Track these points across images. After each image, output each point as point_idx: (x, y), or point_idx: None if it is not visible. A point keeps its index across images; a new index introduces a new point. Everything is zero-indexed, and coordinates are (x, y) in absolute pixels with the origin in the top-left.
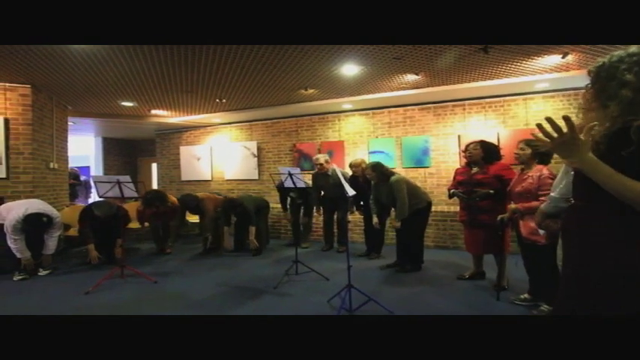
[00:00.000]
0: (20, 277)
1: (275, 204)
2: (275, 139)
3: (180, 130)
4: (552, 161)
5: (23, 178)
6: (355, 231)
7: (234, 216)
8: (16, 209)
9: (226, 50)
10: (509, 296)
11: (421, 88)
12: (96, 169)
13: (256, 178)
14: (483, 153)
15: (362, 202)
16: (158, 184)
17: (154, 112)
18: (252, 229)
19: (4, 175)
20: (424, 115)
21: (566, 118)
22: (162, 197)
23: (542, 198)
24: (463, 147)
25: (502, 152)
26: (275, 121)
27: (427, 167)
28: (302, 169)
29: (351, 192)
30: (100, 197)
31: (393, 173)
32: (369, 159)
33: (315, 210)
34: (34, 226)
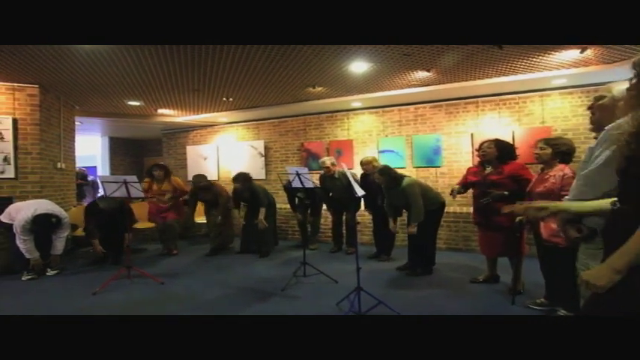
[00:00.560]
0: (29, 277)
1: (282, 204)
2: (282, 139)
3: (187, 129)
4: (572, 160)
5: (31, 178)
6: (364, 232)
7: (243, 202)
8: (25, 210)
9: (233, 48)
10: (525, 300)
11: (432, 85)
12: (102, 169)
13: (263, 178)
14: (498, 152)
15: (378, 201)
16: None
17: (160, 111)
18: (262, 210)
19: (12, 175)
20: (435, 113)
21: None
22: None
23: (566, 198)
24: (477, 146)
25: (517, 151)
26: (282, 119)
27: (439, 167)
28: (310, 169)
29: (360, 192)
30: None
31: (402, 177)
32: (379, 158)
33: (325, 207)
34: (42, 226)
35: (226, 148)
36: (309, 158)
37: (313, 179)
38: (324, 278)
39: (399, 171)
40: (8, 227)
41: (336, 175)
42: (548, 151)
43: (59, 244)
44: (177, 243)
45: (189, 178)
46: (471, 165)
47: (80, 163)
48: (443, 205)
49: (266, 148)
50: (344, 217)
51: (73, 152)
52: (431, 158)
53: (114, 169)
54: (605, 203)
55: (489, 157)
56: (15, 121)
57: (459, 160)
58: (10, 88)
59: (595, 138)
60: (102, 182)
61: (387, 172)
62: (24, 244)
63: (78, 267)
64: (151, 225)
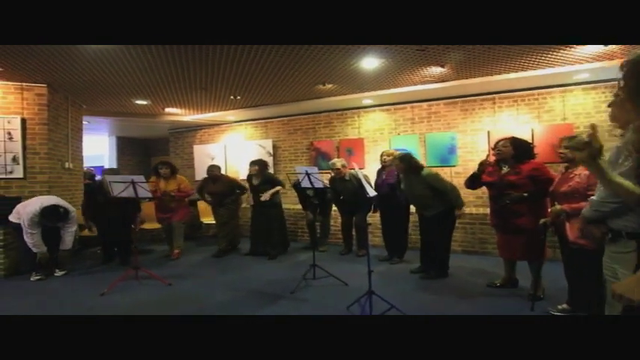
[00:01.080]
0: (37, 278)
1: (291, 204)
2: (291, 137)
3: (194, 128)
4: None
5: (40, 178)
6: (375, 234)
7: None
8: (33, 204)
9: (241, 46)
10: (546, 306)
11: (447, 81)
12: None
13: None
14: (514, 151)
15: (397, 192)
16: None
17: (167, 110)
18: (278, 188)
19: (21, 175)
20: (450, 110)
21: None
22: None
23: (592, 198)
24: (492, 144)
25: (536, 150)
26: (291, 118)
27: (453, 166)
28: (319, 169)
29: (372, 193)
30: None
31: (422, 166)
32: None
33: (335, 207)
34: (51, 217)
35: (234, 148)
36: (319, 157)
37: (323, 179)
38: (334, 281)
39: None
40: (16, 227)
41: (347, 177)
42: None
43: (68, 239)
44: (181, 245)
45: (197, 177)
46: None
47: (88, 162)
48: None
49: (274, 147)
50: (354, 218)
51: (81, 152)
52: (445, 157)
53: (121, 168)
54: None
55: (505, 156)
56: (23, 121)
57: (475, 158)
58: (19, 87)
59: (622, 135)
60: (109, 182)
61: (407, 159)
62: (31, 239)
63: (86, 267)
64: (158, 226)
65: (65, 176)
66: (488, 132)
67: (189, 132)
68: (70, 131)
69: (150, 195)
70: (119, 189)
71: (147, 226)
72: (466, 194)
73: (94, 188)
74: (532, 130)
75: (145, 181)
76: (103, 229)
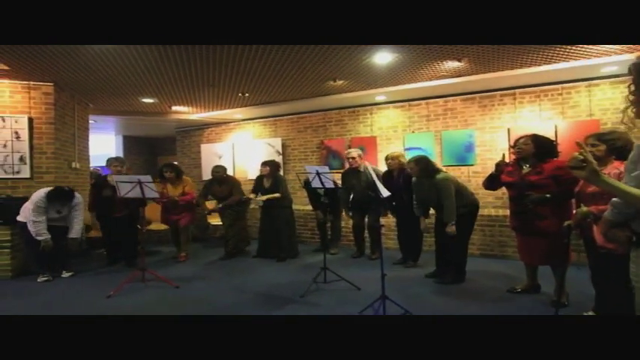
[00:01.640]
0: (44, 279)
1: (300, 205)
2: (301, 136)
3: (201, 127)
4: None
5: (46, 178)
6: (389, 236)
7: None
8: (38, 192)
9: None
10: (570, 314)
11: (464, 75)
12: None
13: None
14: (536, 149)
15: (394, 203)
16: None
17: (174, 108)
18: (276, 195)
19: (28, 175)
20: (467, 106)
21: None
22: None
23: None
24: (512, 142)
25: (559, 148)
26: (301, 115)
27: (471, 165)
28: (330, 168)
29: (385, 193)
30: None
31: (439, 170)
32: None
33: (344, 212)
34: (57, 198)
35: (242, 146)
36: (330, 156)
37: (335, 178)
38: (345, 285)
39: None
40: (24, 226)
41: (361, 169)
42: (602, 147)
43: (77, 227)
44: (188, 249)
45: (204, 177)
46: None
47: (94, 162)
48: (477, 207)
49: (284, 145)
50: (366, 220)
51: (88, 151)
52: (462, 156)
53: (127, 168)
54: None
55: (525, 155)
56: (30, 120)
57: (494, 157)
58: (26, 86)
59: None
60: (116, 182)
61: (423, 162)
62: (35, 227)
63: (93, 269)
64: (165, 227)
65: (72, 176)
66: (509, 129)
67: (196, 131)
68: (77, 130)
69: (157, 195)
70: (126, 189)
71: (153, 227)
72: (484, 195)
73: (100, 182)
74: (555, 127)
75: (151, 181)
76: (108, 229)
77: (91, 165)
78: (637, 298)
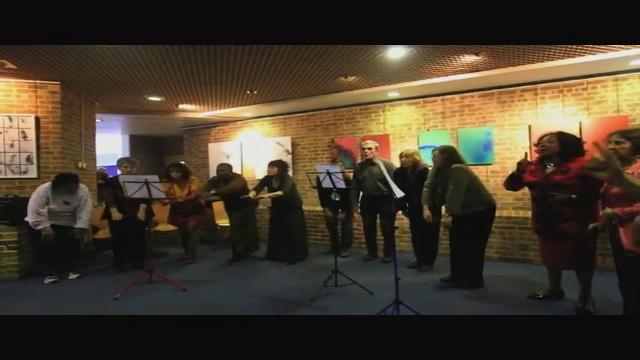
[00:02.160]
0: (51, 280)
1: (310, 206)
2: (311, 134)
3: (209, 125)
4: None
5: (53, 178)
6: (403, 238)
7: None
8: (40, 186)
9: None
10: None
11: (482, 70)
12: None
13: (291, 176)
14: (561, 147)
15: (407, 205)
16: None
17: (181, 106)
18: (278, 193)
19: (35, 175)
20: (486, 102)
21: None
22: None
23: None
24: (535, 139)
25: (585, 146)
26: (311, 113)
27: (489, 164)
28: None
29: (399, 193)
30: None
31: (462, 162)
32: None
33: (353, 209)
34: (63, 184)
35: (250, 145)
36: (341, 155)
37: (349, 175)
38: (357, 289)
39: None
40: (31, 227)
41: (376, 161)
42: (627, 145)
43: (85, 217)
44: (195, 252)
45: (212, 177)
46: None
47: (100, 162)
48: (493, 208)
49: (293, 144)
50: (379, 221)
51: (94, 151)
52: (480, 155)
53: None
54: None
55: (550, 153)
56: (37, 120)
57: (514, 156)
58: (33, 85)
59: None
60: (123, 182)
61: (449, 150)
62: (34, 218)
63: (99, 271)
64: (173, 228)
65: (78, 176)
66: (529, 126)
67: (203, 129)
68: (84, 129)
69: (164, 196)
70: (132, 189)
71: (161, 228)
72: (504, 195)
73: (112, 182)
74: (580, 124)
75: (158, 181)
76: (117, 230)
77: (97, 165)
78: None
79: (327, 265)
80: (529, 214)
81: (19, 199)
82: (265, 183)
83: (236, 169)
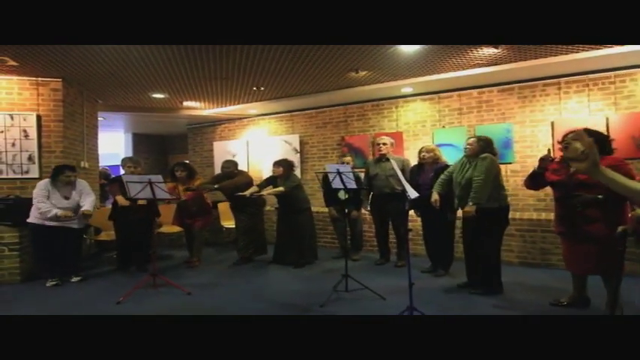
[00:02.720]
0: (53, 283)
1: (320, 207)
2: (320, 132)
3: (214, 123)
4: None
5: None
6: (416, 241)
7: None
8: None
9: None
10: None
11: (501, 64)
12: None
13: (298, 176)
14: None
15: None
16: None
17: (185, 104)
18: (278, 189)
19: (37, 175)
20: (505, 97)
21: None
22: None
23: None
24: (559, 137)
25: (613, 144)
26: (320, 110)
27: (509, 163)
28: (352, 167)
29: (413, 194)
30: (131, 198)
31: (495, 154)
32: None
33: (363, 206)
34: (61, 172)
35: (257, 144)
36: (352, 154)
37: (359, 174)
38: (369, 294)
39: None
40: (34, 228)
41: (390, 157)
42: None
43: (89, 201)
44: (200, 256)
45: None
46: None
47: (103, 161)
48: (506, 208)
49: (301, 143)
50: (391, 223)
51: (97, 150)
52: (500, 153)
53: None
54: None
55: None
56: (39, 118)
57: (536, 154)
58: (34, 82)
59: None
60: (126, 182)
61: (487, 140)
62: (44, 208)
63: (102, 273)
64: (177, 229)
65: (81, 176)
66: (552, 123)
67: (208, 127)
68: (86, 128)
69: (168, 196)
70: (136, 190)
71: (164, 229)
72: (525, 196)
73: (118, 179)
74: (607, 120)
75: (162, 181)
76: (122, 231)
77: (100, 164)
78: None
79: (336, 268)
80: (551, 215)
81: (20, 199)
82: (270, 183)
83: (242, 169)
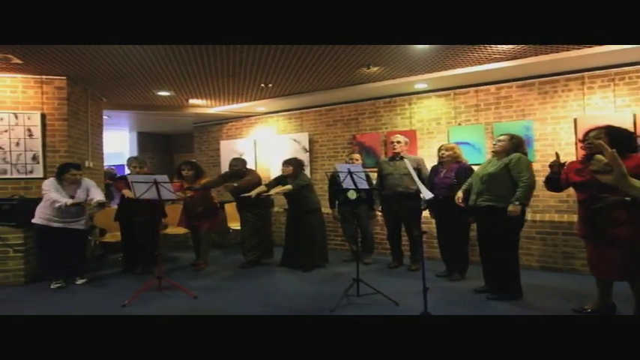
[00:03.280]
0: (57, 285)
1: (329, 209)
2: (330, 130)
3: (221, 121)
4: None
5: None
6: (431, 244)
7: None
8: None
9: None
10: None
11: (520, 58)
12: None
13: (308, 176)
14: (610, 143)
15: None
16: None
17: (191, 101)
18: (286, 187)
19: (41, 175)
20: (525, 93)
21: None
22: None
23: None
24: (581, 135)
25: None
26: (330, 107)
27: (530, 162)
28: (364, 166)
29: (427, 195)
30: (137, 198)
31: (525, 154)
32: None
33: (374, 207)
34: (66, 170)
35: (265, 143)
36: (363, 153)
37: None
38: (381, 299)
39: (475, 168)
40: (39, 229)
41: (404, 155)
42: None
43: (96, 192)
44: (207, 258)
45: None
46: (573, 159)
47: (108, 161)
48: (522, 211)
49: (311, 141)
50: (403, 225)
51: (101, 149)
52: None
53: None
54: None
55: (598, 150)
56: (43, 117)
57: (558, 153)
58: (39, 81)
59: None
60: (131, 182)
61: (520, 138)
62: (55, 199)
63: (107, 275)
64: (183, 231)
65: (86, 176)
66: (575, 119)
67: (214, 126)
68: (90, 127)
69: (174, 197)
70: (141, 190)
71: (170, 231)
72: (545, 197)
73: (125, 177)
74: (634, 116)
75: (168, 181)
76: (128, 233)
77: (105, 164)
78: None
79: (347, 272)
80: (574, 217)
81: (25, 199)
82: (279, 182)
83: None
